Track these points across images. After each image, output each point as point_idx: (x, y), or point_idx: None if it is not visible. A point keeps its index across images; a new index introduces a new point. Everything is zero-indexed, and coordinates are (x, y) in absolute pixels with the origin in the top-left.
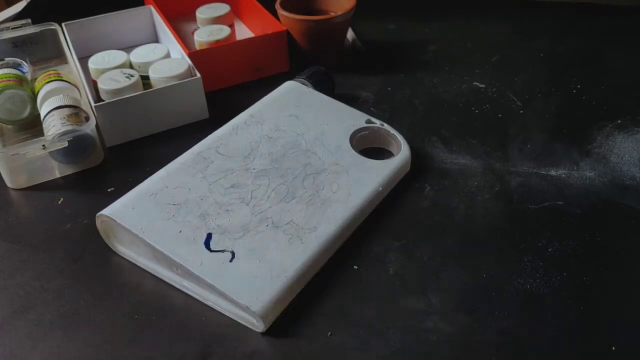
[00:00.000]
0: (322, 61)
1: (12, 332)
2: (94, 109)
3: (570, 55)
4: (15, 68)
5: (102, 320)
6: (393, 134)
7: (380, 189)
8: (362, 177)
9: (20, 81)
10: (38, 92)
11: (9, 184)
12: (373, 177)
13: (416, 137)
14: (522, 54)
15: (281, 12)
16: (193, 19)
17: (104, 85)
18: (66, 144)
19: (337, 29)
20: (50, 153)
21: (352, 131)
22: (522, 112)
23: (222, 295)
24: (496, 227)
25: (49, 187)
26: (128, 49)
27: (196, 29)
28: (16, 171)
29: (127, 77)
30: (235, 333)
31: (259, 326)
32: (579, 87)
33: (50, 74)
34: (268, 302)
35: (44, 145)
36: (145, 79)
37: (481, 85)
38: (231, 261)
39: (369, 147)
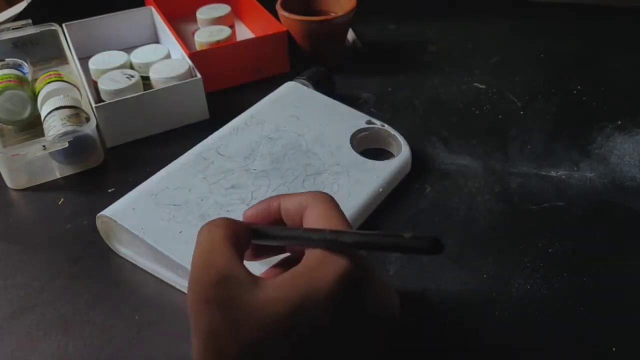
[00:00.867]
0: (322, 61)
1: (12, 333)
2: (94, 109)
3: (570, 56)
4: (15, 68)
5: (102, 321)
6: (393, 135)
7: (381, 189)
8: (362, 177)
9: (21, 81)
10: (38, 93)
11: (9, 184)
12: (373, 177)
13: (416, 137)
14: (522, 55)
15: (281, 13)
16: (193, 19)
17: (104, 85)
18: (66, 144)
19: (337, 29)
20: (51, 153)
21: (352, 132)
22: (522, 112)
23: None
24: (496, 227)
25: (49, 187)
26: (128, 49)
27: (196, 30)
28: (16, 171)
29: (127, 78)
30: None
31: None
32: (578, 87)
33: (50, 74)
34: None
35: (44, 146)
36: (146, 79)
37: (481, 86)
38: None
39: (369, 147)
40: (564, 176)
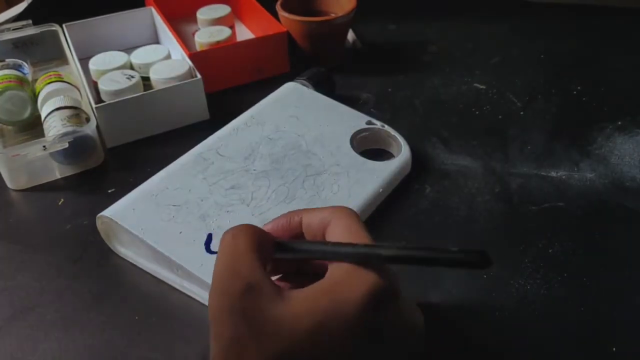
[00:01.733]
0: (321, 62)
1: (12, 334)
2: (94, 109)
3: (570, 56)
4: (15, 69)
5: (102, 321)
6: (393, 135)
7: (381, 189)
8: (362, 178)
9: (21, 82)
10: (38, 93)
11: (9, 184)
12: (373, 178)
13: (416, 138)
14: (522, 55)
15: (282, 13)
16: (193, 20)
17: (104, 85)
18: (66, 145)
19: (337, 29)
20: (51, 153)
21: (352, 132)
22: (522, 113)
23: None
24: (496, 227)
25: (49, 188)
26: (128, 49)
27: (196, 30)
28: (16, 171)
29: (127, 78)
30: None
31: None
32: (578, 88)
33: (50, 75)
34: None
35: (44, 146)
36: (146, 79)
37: (481, 86)
38: None
39: (370, 148)
40: (564, 176)
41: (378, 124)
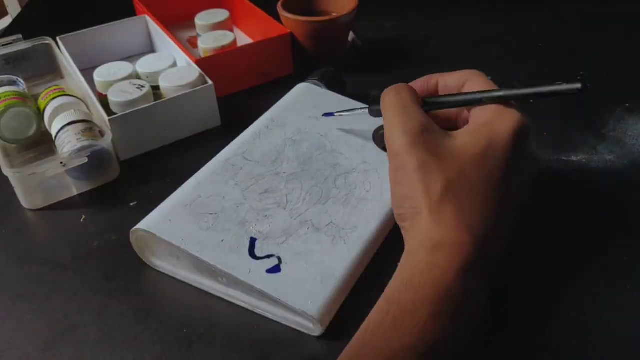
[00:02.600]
0: (322, 61)
1: (57, 356)
2: (106, 122)
3: (569, 43)
4: (11, 85)
5: (149, 337)
6: None
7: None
8: None
9: (23, 98)
10: (44, 109)
11: (24, 204)
12: None
13: None
14: (521, 46)
15: (284, 14)
16: (186, 26)
17: (114, 97)
18: (85, 160)
19: (341, 29)
20: (67, 170)
21: (373, 129)
22: (531, 101)
23: (273, 301)
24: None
25: (68, 205)
26: (125, 59)
27: (192, 36)
28: (32, 191)
29: (137, 88)
30: (290, 339)
31: (315, 330)
32: (581, 73)
33: (54, 89)
34: (323, 305)
35: (62, 162)
36: (155, 88)
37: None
38: (279, 266)
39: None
40: (584, 160)
41: None
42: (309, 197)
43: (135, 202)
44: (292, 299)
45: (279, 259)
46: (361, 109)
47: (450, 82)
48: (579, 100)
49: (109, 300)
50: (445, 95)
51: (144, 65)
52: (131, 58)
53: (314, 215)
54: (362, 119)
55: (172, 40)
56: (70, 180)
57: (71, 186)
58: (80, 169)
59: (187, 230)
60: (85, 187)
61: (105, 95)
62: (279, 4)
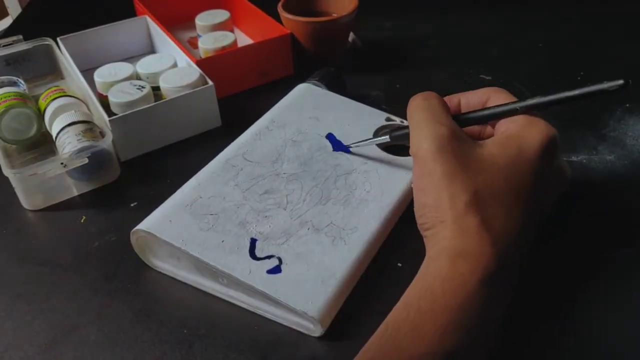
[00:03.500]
0: (323, 62)
1: (57, 357)
2: (107, 122)
3: (568, 43)
4: (11, 86)
5: (150, 337)
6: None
7: (412, 184)
8: (392, 174)
9: (23, 99)
10: (44, 110)
11: (25, 205)
12: (403, 173)
13: None
14: (521, 45)
15: (284, 15)
16: (187, 26)
17: (115, 98)
18: (86, 161)
19: (341, 29)
20: (67, 171)
21: (373, 129)
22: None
23: (274, 302)
24: None
25: (68, 206)
26: (125, 60)
27: (193, 37)
28: (32, 191)
29: (138, 89)
30: (290, 340)
31: (315, 330)
32: (582, 73)
33: (54, 90)
34: (323, 305)
35: (62, 163)
36: (155, 89)
37: (487, 77)
38: (279, 267)
39: (392, 144)
40: (584, 160)
41: (397, 119)
42: (309, 197)
43: (135, 203)
44: (293, 300)
45: (280, 259)
46: (381, 138)
47: (472, 100)
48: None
49: (109, 300)
50: (477, 110)
51: (145, 65)
52: (131, 59)
53: (315, 216)
54: (362, 119)
55: (173, 40)
56: (70, 180)
57: (71, 187)
58: (80, 169)
59: (188, 230)
60: (86, 187)
61: (106, 96)
62: (280, 4)
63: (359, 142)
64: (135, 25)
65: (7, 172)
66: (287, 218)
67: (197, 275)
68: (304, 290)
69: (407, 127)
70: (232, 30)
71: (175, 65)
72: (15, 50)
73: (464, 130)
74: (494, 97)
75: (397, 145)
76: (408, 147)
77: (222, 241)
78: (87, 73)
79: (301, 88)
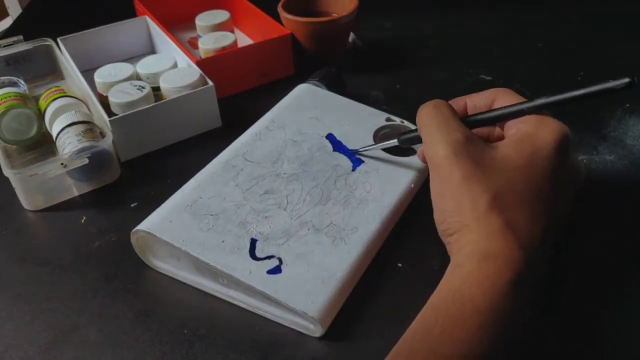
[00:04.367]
0: (324, 62)
1: (57, 357)
2: (107, 123)
3: (569, 43)
4: (12, 86)
5: (151, 338)
6: (414, 130)
7: (412, 185)
8: (392, 174)
9: (24, 99)
10: (44, 110)
11: (25, 205)
12: (403, 173)
13: None
14: (521, 45)
15: (284, 15)
16: (187, 27)
17: (115, 98)
18: (86, 161)
19: (342, 29)
20: (67, 171)
21: (373, 130)
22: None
23: (274, 302)
24: None
25: (68, 206)
26: (126, 60)
27: (193, 37)
28: (32, 192)
29: (138, 89)
30: (290, 340)
31: (315, 331)
32: (582, 73)
33: (54, 90)
34: (323, 306)
35: (62, 163)
36: (155, 89)
37: (487, 78)
38: (279, 267)
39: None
40: (585, 160)
41: (397, 120)
42: (309, 198)
43: (135, 203)
44: (293, 300)
45: (280, 259)
46: (390, 143)
47: (479, 102)
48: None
49: (109, 301)
50: (483, 112)
51: (145, 66)
52: (132, 59)
53: (315, 216)
54: (362, 120)
55: (173, 41)
56: (70, 181)
57: (72, 187)
58: (80, 170)
59: (188, 231)
60: (86, 188)
61: (106, 96)
62: (280, 4)
63: (366, 147)
64: (135, 25)
65: (7, 172)
66: (287, 218)
67: (197, 276)
68: (304, 290)
69: (414, 130)
70: (232, 31)
71: (175, 65)
72: (15, 51)
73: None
74: (501, 97)
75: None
76: (411, 149)
77: (222, 241)
78: (87, 73)
79: (301, 88)
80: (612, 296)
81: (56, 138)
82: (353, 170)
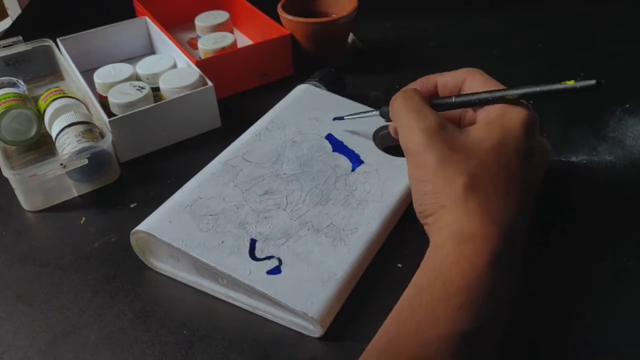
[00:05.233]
0: (323, 63)
1: (57, 358)
2: (107, 123)
3: (567, 43)
4: (11, 87)
5: (150, 338)
6: None
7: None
8: (391, 174)
9: (23, 100)
10: (44, 111)
11: (25, 206)
12: (402, 174)
13: None
14: (520, 46)
15: (284, 15)
16: (186, 27)
17: (114, 98)
18: (86, 162)
19: (341, 30)
20: (67, 172)
21: (373, 130)
22: (531, 101)
23: (274, 302)
24: None
25: (68, 207)
26: (125, 61)
27: (192, 38)
28: (32, 192)
29: (137, 90)
30: (290, 340)
31: (315, 331)
32: (582, 74)
33: (54, 91)
34: (323, 306)
35: (62, 164)
36: (155, 90)
37: None
38: (279, 267)
39: (393, 144)
40: (584, 161)
41: None
42: (309, 198)
43: (135, 204)
44: (293, 301)
45: (279, 260)
46: (371, 111)
47: (449, 81)
48: (579, 101)
49: (109, 301)
50: (451, 97)
51: (144, 66)
52: (131, 59)
53: (314, 217)
54: (362, 121)
55: (172, 41)
56: (70, 181)
57: (71, 188)
58: (80, 170)
59: (188, 231)
60: (86, 188)
61: (106, 97)
62: (279, 5)
63: (352, 114)
64: (135, 26)
65: (7, 173)
66: (287, 219)
67: (197, 276)
68: (304, 291)
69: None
70: (231, 31)
71: (175, 66)
72: (15, 51)
73: (443, 114)
74: (470, 80)
75: (397, 145)
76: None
77: (222, 242)
78: (87, 74)
79: (301, 88)
80: (612, 296)
81: (56, 139)
82: (353, 170)
